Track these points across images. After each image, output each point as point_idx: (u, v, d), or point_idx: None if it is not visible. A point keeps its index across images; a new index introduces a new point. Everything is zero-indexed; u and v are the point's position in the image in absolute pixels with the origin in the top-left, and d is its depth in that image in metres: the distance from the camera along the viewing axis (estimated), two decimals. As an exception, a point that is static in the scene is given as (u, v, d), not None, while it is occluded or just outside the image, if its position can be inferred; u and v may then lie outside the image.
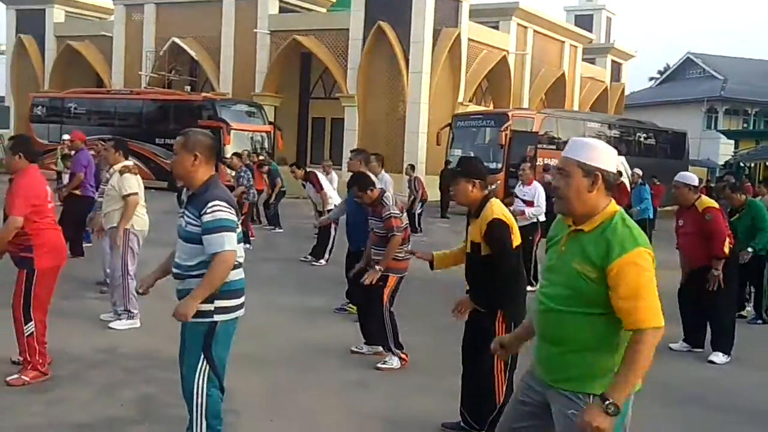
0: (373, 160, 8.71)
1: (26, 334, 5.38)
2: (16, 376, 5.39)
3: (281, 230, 16.54)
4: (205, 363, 3.82)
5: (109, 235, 7.62)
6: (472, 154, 24.45)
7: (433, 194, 22.66)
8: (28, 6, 39.44)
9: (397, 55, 28.69)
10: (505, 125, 23.31)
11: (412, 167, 19.71)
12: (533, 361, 2.97)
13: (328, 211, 11.97)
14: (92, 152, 12.14)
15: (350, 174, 7.09)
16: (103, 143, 14.13)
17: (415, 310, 7.80)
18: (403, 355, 6.31)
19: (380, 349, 6.53)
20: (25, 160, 5.47)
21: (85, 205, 10.54)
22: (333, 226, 12.12)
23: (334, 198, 12.23)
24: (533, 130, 23.53)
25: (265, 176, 17.19)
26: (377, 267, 6.21)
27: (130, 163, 7.61)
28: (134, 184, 7.36)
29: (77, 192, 11.06)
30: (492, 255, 4.29)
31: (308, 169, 12.59)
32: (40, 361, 5.46)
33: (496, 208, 4.35)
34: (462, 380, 4.56)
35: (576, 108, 38.98)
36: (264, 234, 15.90)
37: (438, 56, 29.02)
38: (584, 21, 45.57)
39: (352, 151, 7.80)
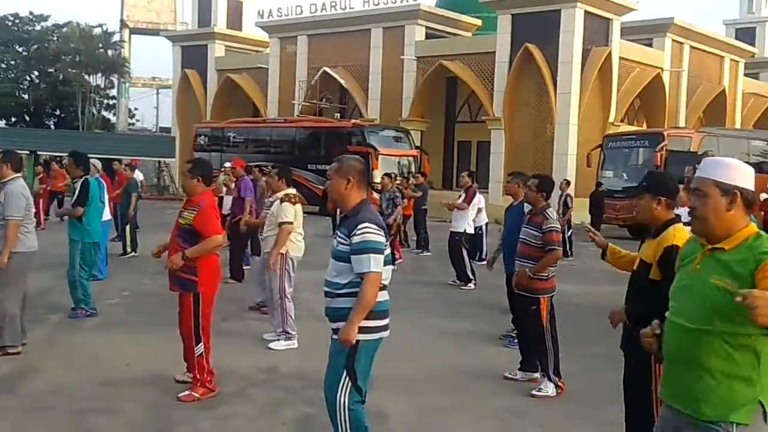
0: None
1: (197, 354, 5.69)
2: (187, 392, 5.70)
3: (429, 253, 16.65)
4: (346, 379, 3.96)
5: (266, 258, 7.96)
6: (625, 176, 23.75)
7: (583, 217, 22.10)
8: (193, 42, 42.27)
9: (544, 76, 28.32)
10: (660, 145, 22.39)
11: (567, 182, 19.08)
12: (663, 390, 2.87)
13: (458, 233, 12.11)
14: (249, 177, 12.80)
15: (506, 196, 7.14)
16: (262, 170, 14.87)
17: (569, 335, 7.62)
18: (560, 383, 6.17)
19: (535, 375, 6.41)
20: (202, 184, 5.78)
21: (247, 230, 11.13)
22: (464, 249, 12.08)
23: (468, 221, 12.40)
24: (691, 150, 22.43)
25: (413, 199, 17.45)
26: (526, 270, 6.16)
27: (292, 191, 7.94)
28: (291, 213, 7.65)
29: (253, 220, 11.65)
30: (659, 282, 3.94)
31: (473, 185, 12.72)
32: (208, 378, 5.76)
33: (679, 234, 3.98)
34: (625, 416, 4.36)
35: (738, 126, 36.82)
36: (412, 257, 16.05)
37: (587, 76, 28.38)
38: (746, 34, 43.22)
39: (509, 174, 7.70)
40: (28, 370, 6.36)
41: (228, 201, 13.65)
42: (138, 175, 19.32)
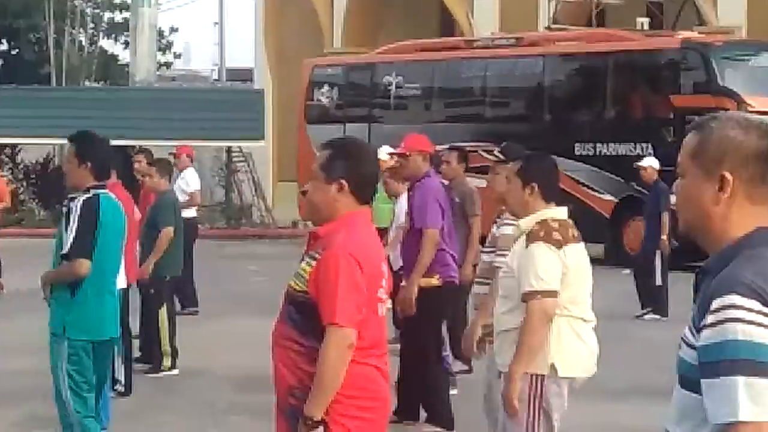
0: None
1: None
2: None
3: None
4: None
5: (502, 381, 8.01)
6: None
7: None
8: None
9: None
10: None
11: None
12: None
13: None
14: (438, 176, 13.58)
15: None
16: (465, 153, 15.18)
17: None
18: None
19: None
20: (350, 196, 6.19)
21: (445, 299, 12.24)
22: None
23: None
24: None
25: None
26: None
27: (556, 213, 8.10)
28: (552, 269, 7.79)
29: (434, 281, 12.24)
30: None
31: None
32: None
33: None
34: None
35: None
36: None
37: None
38: None
39: None
40: None
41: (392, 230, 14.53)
42: (191, 181, 20.57)
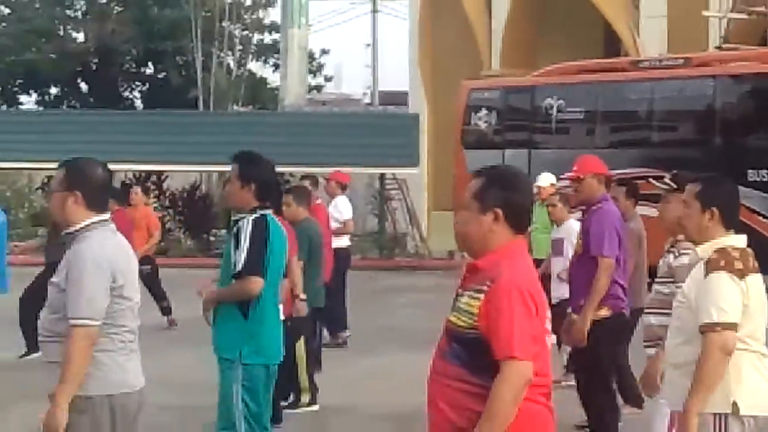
0: None
1: None
2: None
3: None
4: None
5: None
6: None
7: None
8: None
9: None
10: None
11: None
12: None
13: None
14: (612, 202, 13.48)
15: None
16: (632, 186, 15.52)
17: None
18: None
19: None
20: (506, 226, 6.32)
21: (614, 330, 12.51)
22: None
23: None
24: None
25: None
26: None
27: (730, 240, 7.89)
28: (735, 296, 7.59)
29: (603, 312, 12.44)
30: None
31: None
32: None
33: None
34: None
35: None
36: None
37: None
38: None
39: None
40: None
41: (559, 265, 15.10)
42: (343, 209, 20.98)
